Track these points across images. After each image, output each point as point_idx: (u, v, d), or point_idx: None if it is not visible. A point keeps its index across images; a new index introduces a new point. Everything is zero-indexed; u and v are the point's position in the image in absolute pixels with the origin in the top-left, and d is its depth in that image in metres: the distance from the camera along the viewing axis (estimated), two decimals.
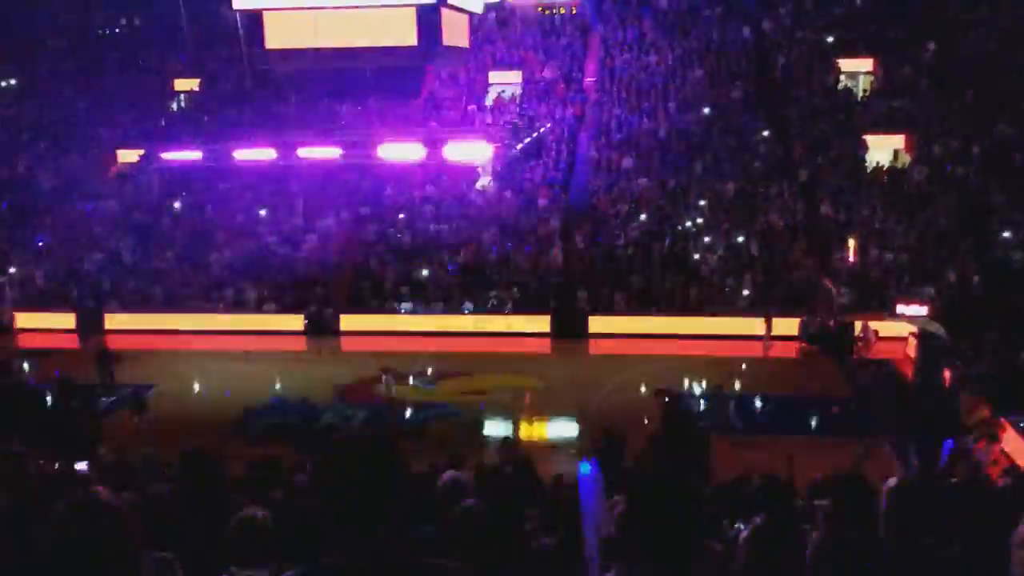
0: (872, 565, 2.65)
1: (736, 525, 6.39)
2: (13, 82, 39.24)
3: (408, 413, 19.50)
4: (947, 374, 19.38)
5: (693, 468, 11.25)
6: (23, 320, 27.28)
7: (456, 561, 2.33)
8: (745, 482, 11.50)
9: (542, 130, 33.28)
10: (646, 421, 15.94)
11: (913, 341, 21.17)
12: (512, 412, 19.27)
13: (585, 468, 6.24)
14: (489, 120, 34.16)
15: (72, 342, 26.42)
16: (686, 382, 20.80)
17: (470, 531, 3.49)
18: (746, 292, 25.78)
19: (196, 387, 21.38)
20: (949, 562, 3.58)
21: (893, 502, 3.49)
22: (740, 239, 27.32)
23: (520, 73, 36.25)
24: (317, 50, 34.21)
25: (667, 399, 16.43)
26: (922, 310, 23.21)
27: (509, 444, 13.51)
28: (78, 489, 2.28)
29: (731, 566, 3.73)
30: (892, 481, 3.61)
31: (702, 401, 19.44)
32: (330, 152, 32.49)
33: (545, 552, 4.44)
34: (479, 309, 26.36)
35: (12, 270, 29.02)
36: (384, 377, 19.53)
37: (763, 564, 3.71)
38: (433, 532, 4.09)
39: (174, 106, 38.48)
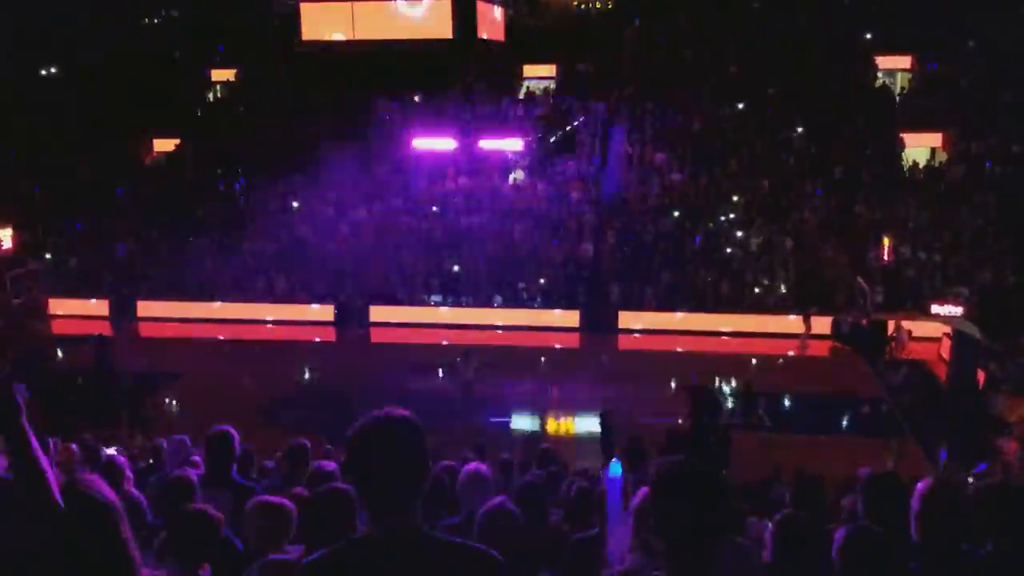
0: (900, 562, 2.63)
1: (763, 521, 6.34)
2: (54, 70, 39.87)
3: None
4: (981, 375, 19.10)
5: (714, 463, 11.22)
6: (56, 306, 27.75)
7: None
8: (773, 480, 11.45)
9: (575, 123, 33.19)
10: (679, 420, 15.87)
11: (947, 341, 20.86)
12: (540, 406, 19.28)
13: (615, 469, 6.25)
14: (522, 113, 34.13)
15: (105, 329, 26.84)
16: (716, 379, 20.66)
17: (494, 526, 3.49)
18: (783, 289, 25.56)
19: (223, 375, 21.58)
20: (978, 562, 3.54)
21: (927, 502, 3.45)
22: (774, 236, 27.08)
23: (554, 66, 36.16)
24: (351, 43, 34.44)
25: (694, 395, 16.41)
26: (957, 310, 22.86)
27: (535, 439, 13.55)
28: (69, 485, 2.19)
29: (755, 561, 3.70)
30: (928, 481, 3.57)
31: (731, 399, 19.31)
32: (362, 145, 32.66)
33: (570, 543, 4.43)
34: (509, 302, 26.39)
35: (47, 256, 29.53)
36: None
37: (788, 558, 3.68)
38: (457, 524, 4.11)
39: (210, 96, 38.89)
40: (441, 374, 21.31)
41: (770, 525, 4.47)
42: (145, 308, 27.53)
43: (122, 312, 27.30)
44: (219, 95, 38.85)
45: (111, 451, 8.12)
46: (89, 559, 2.05)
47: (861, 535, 3.03)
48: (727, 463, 12.87)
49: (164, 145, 35.63)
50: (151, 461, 9.52)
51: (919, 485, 3.59)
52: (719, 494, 2.43)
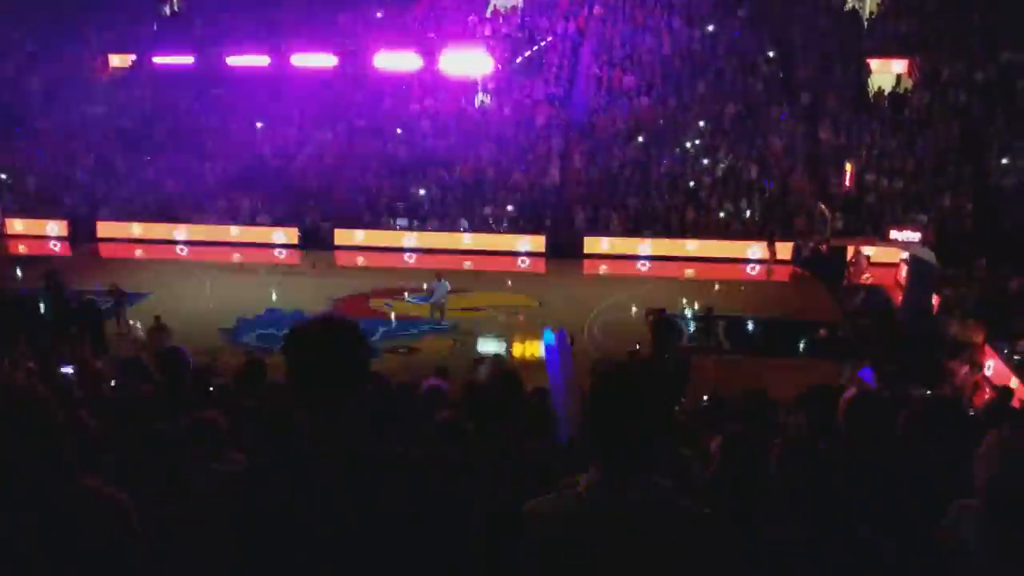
0: (832, 473, 2.73)
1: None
2: None
3: (401, 327, 19.70)
4: (936, 300, 19.56)
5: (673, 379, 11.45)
6: (14, 227, 27.18)
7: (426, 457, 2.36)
8: (727, 399, 11.74)
9: (543, 44, 32.62)
10: (636, 347, 16.11)
11: (904, 267, 21.26)
12: (505, 330, 19.43)
13: (548, 337, 6.30)
14: (488, 32, 33.44)
15: (65, 250, 26.44)
16: (678, 303, 20.92)
17: (445, 438, 3.55)
18: (748, 214, 25.76)
19: (188, 297, 21.41)
20: (917, 473, 3.70)
21: (850, 412, 3.60)
22: (739, 162, 27.14)
23: None
24: None
25: (655, 319, 16.67)
26: (915, 236, 23.26)
27: (500, 361, 13.67)
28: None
29: (697, 472, 3.84)
30: (850, 392, 3.72)
31: (692, 322, 19.60)
32: (325, 60, 32.04)
33: (525, 453, 4.53)
34: (475, 227, 26.33)
35: (2, 176, 28.79)
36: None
37: (730, 471, 3.82)
38: (408, 435, 4.17)
39: (167, 9, 37.52)
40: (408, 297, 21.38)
41: (717, 440, 4.63)
42: (105, 229, 27.07)
43: (81, 233, 26.84)
44: (176, 8, 37.50)
45: (68, 370, 8.10)
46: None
47: (796, 448, 3.14)
48: (683, 391, 13.14)
49: (120, 60, 34.47)
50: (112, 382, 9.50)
51: (844, 395, 3.73)
52: (661, 400, 2.43)
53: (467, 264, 24.31)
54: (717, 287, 22.84)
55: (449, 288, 19.90)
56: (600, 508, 2.22)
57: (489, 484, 3.63)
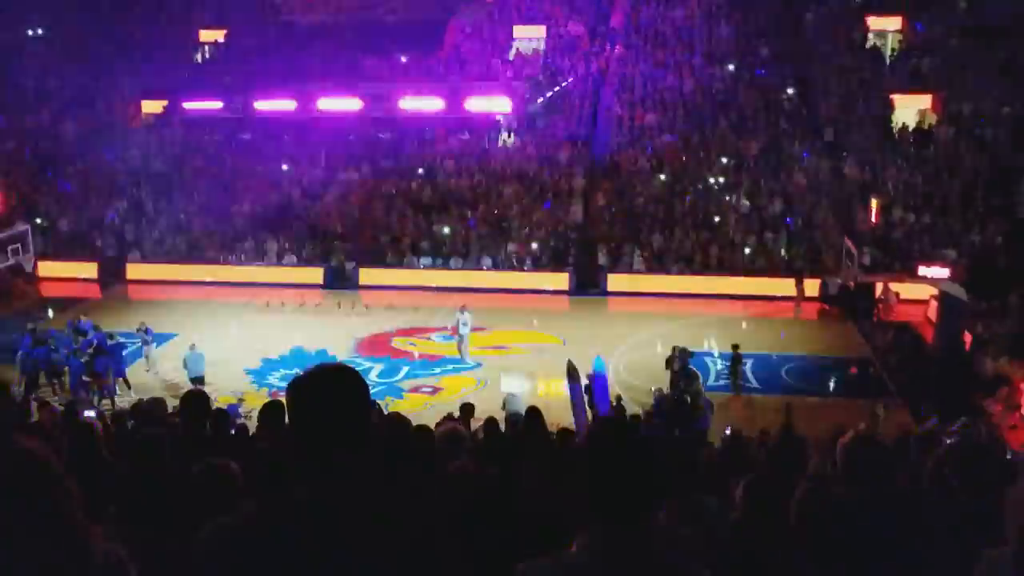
0: (855, 519, 2.64)
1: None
2: (40, 31, 39.28)
3: (424, 365, 19.70)
4: (967, 336, 19.23)
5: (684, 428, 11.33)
6: (45, 269, 27.63)
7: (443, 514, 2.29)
8: (757, 441, 11.55)
9: (565, 84, 32.92)
10: (656, 389, 15.98)
11: (934, 303, 20.96)
12: (530, 368, 19.34)
13: (600, 364, 6.24)
14: (511, 74, 33.82)
15: (94, 292, 26.81)
16: (704, 341, 20.74)
17: (459, 490, 3.48)
18: (774, 250, 25.60)
19: (215, 338, 21.58)
20: (949, 522, 3.59)
21: (844, 454, 3.51)
22: (764, 198, 27.05)
23: (544, 27, 35.79)
24: (340, 1, 34.09)
25: (669, 358, 16.68)
26: (944, 272, 22.94)
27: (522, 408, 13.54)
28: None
29: (724, 519, 3.75)
30: (848, 436, 3.63)
31: (719, 360, 19.41)
32: (350, 104, 32.55)
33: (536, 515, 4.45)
34: (498, 264, 26.39)
35: (37, 219, 29.34)
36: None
37: (754, 518, 3.73)
38: (427, 485, 4.11)
39: (198, 57, 38.42)
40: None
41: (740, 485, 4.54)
42: (134, 271, 27.45)
43: (111, 275, 27.24)
44: (207, 55, 38.38)
45: (90, 413, 8.14)
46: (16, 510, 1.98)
47: (812, 495, 3.07)
48: (687, 425, 13.05)
49: (152, 107, 35.23)
50: (131, 423, 9.55)
51: (841, 440, 3.66)
52: (659, 463, 2.37)
53: (490, 301, 24.28)
54: (744, 324, 22.65)
55: (470, 320, 19.93)
56: (595, 572, 2.16)
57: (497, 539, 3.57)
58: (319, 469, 2.09)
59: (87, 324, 19.39)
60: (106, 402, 16.97)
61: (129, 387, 17.75)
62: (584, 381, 14.29)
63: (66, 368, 17.31)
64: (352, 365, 2.18)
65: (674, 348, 17.22)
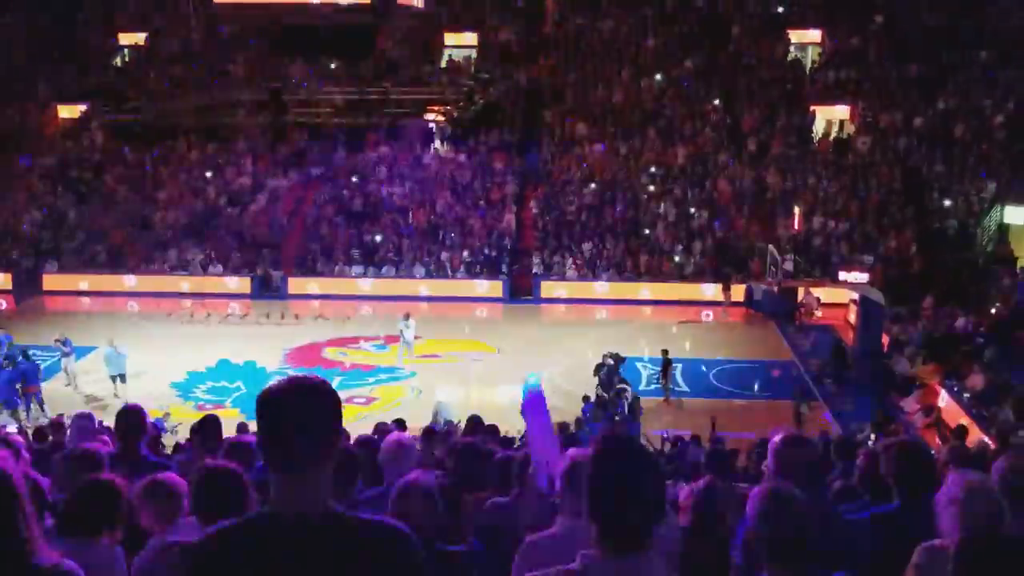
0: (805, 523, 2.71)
1: (679, 485, 6.54)
2: None
3: (356, 375, 19.50)
4: (885, 338, 19.99)
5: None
6: None
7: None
8: (689, 443, 11.81)
9: (497, 92, 33.03)
10: (583, 396, 16.20)
11: (854, 307, 21.72)
12: (464, 376, 19.33)
13: (535, 381, 6.27)
14: (444, 82, 33.77)
15: (8, 302, 25.77)
16: (635, 346, 21.05)
17: (418, 506, 3.48)
18: (695, 259, 26.15)
19: (138, 350, 20.96)
20: (884, 520, 3.74)
21: (777, 456, 3.63)
22: (690, 208, 27.63)
23: (476, 34, 35.84)
24: (267, 6, 33.52)
25: (598, 364, 16.96)
26: (863, 277, 23.85)
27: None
28: None
29: (673, 523, 3.82)
30: (780, 436, 3.75)
31: (649, 365, 19.72)
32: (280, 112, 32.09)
33: (495, 511, 4.48)
34: (431, 273, 26.31)
35: None
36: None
37: (706, 523, 3.83)
38: (379, 496, 4.09)
39: (118, 61, 37.27)
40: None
41: (686, 489, 4.64)
42: (51, 281, 26.48)
43: (27, 286, 26.21)
44: (127, 60, 37.27)
45: (10, 429, 7.84)
46: None
47: (771, 497, 3.14)
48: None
49: (69, 112, 34.06)
50: (51, 439, 9.24)
51: (771, 440, 3.77)
52: (662, 477, 2.40)
53: (424, 309, 24.17)
54: (674, 330, 23.09)
55: (413, 327, 19.94)
56: None
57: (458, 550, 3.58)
58: (291, 484, 2.06)
59: (4, 337, 18.76)
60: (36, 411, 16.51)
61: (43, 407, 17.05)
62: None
63: None
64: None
65: (604, 355, 17.47)
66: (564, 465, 3.37)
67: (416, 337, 20.37)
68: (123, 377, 17.60)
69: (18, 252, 27.38)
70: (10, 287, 26.32)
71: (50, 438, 9.38)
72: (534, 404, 5.42)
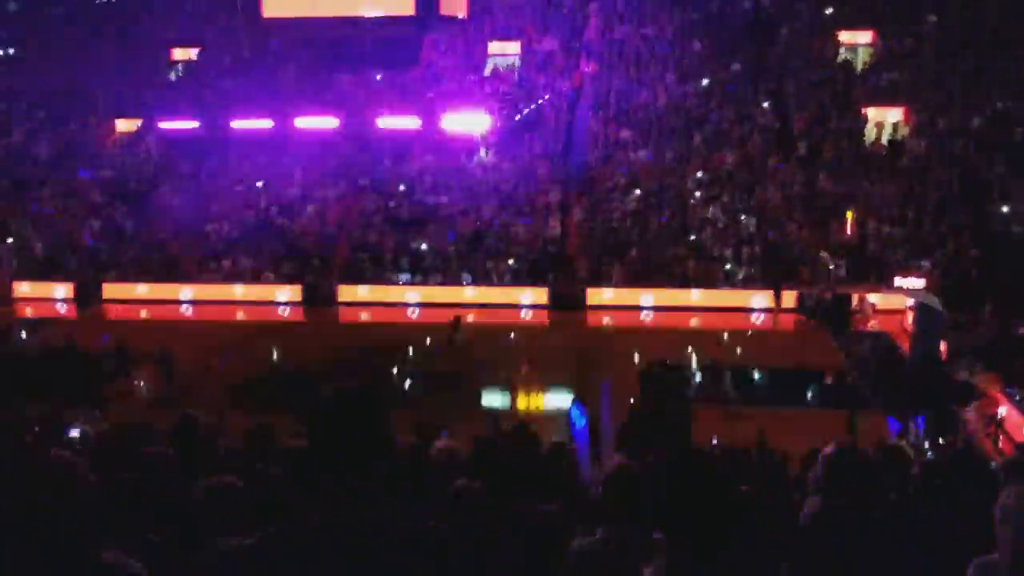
0: (863, 534, 2.65)
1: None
2: (11, 51, 38.92)
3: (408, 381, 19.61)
4: (943, 346, 19.46)
5: (671, 438, 11.33)
6: (21, 289, 27.27)
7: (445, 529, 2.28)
8: (740, 453, 11.61)
9: (540, 101, 33.08)
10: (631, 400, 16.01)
11: (910, 314, 21.20)
12: (510, 383, 19.30)
13: (576, 414, 6.25)
14: (487, 91, 33.94)
15: (70, 312, 26.49)
16: (683, 354, 20.82)
17: (465, 510, 3.47)
18: (746, 266, 25.80)
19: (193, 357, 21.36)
20: (932, 529, 3.64)
21: (827, 468, 3.54)
22: (740, 214, 27.29)
23: (519, 44, 35.96)
24: (315, 19, 34.08)
25: (648, 372, 16.66)
26: (919, 283, 23.25)
27: (496, 416, 13.53)
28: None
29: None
30: (829, 447, 3.66)
31: (697, 373, 19.48)
32: (327, 122, 32.55)
33: (542, 517, 4.46)
34: (478, 280, 26.39)
35: (10, 240, 28.99)
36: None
37: (757, 533, 3.75)
38: (424, 506, 4.10)
39: (172, 75, 38.19)
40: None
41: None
42: (111, 290, 27.17)
43: (87, 295, 26.93)
44: (181, 74, 38.17)
45: (75, 432, 8.04)
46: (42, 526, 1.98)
47: (826, 509, 3.09)
48: (685, 439, 13.03)
49: (126, 125, 34.99)
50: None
51: (824, 451, 3.68)
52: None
53: (470, 317, 24.22)
54: (726, 337, 22.77)
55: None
56: None
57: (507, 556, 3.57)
58: (338, 494, 2.09)
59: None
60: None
61: None
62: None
63: None
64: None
65: (650, 362, 17.20)
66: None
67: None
68: None
69: (79, 262, 28.15)
70: (72, 296, 27.07)
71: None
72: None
